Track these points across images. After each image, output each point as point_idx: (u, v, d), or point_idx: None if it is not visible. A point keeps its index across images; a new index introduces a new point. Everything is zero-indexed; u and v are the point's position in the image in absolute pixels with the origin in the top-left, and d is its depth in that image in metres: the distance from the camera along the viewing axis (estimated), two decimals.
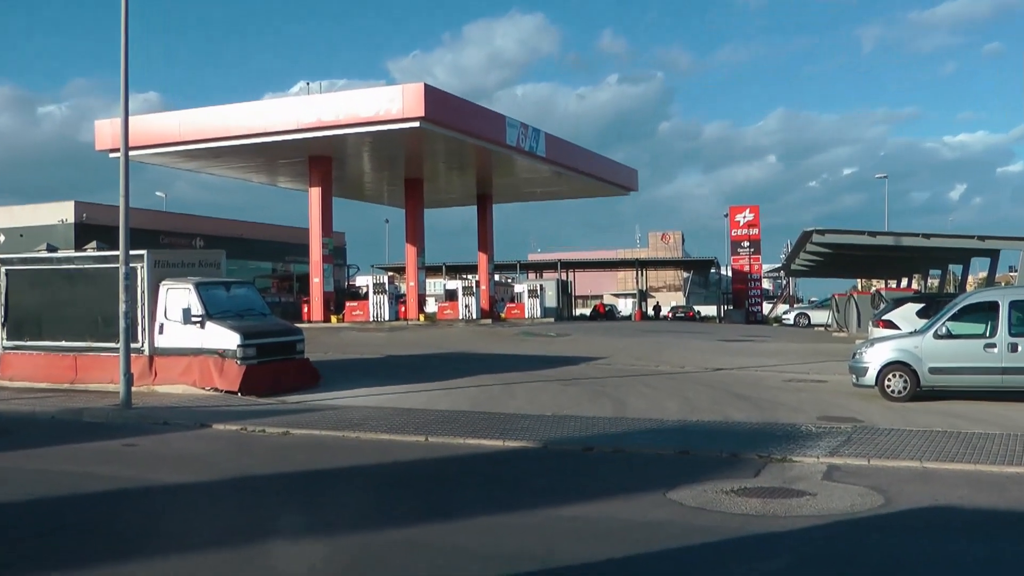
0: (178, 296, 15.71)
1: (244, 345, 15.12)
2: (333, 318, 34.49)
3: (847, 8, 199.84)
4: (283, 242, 47.86)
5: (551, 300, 53.19)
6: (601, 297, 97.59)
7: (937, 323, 13.97)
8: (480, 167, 39.33)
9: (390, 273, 55.46)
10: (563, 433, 11.27)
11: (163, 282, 16.03)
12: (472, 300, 40.03)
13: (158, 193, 56.89)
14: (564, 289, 60.47)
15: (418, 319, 38.06)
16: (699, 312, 65.99)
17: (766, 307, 69.49)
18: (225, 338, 15.18)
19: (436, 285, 67.73)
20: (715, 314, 65.24)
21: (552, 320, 44.97)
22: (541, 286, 46.42)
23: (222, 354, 15.18)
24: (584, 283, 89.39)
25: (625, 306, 76.48)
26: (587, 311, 73.48)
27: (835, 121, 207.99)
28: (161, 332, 15.79)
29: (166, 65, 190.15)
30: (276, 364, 15.75)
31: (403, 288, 46.97)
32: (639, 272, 69.90)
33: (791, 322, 48.70)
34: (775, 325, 52.64)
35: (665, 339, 29.27)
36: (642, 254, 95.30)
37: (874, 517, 7.21)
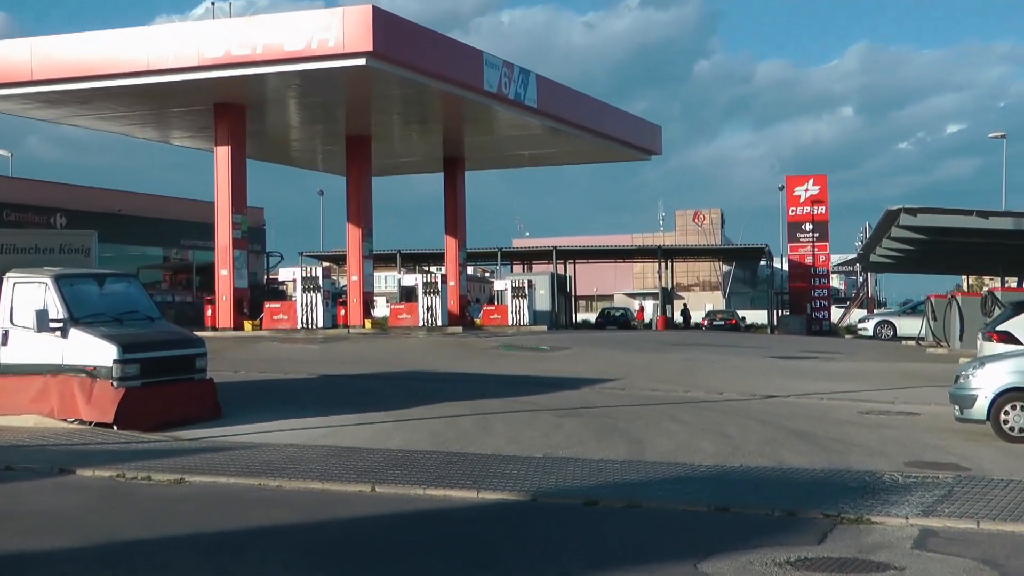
0: (30, 293, 15.58)
1: (123, 361, 15.00)
2: (248, 324, 34.32)
3: None
4: (178, 220, 47.57)
5: (543, 301, 53.28)
6: (611, 298, 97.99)
7: None
8: (448, 121, 39.21)
9: (326, 264, 55.44)
10: (558, 481, 11.25)
11: (8, 274, 15.90)
12: (436, 301, 40.01)
13: (1, 152, 56.37)
14: (561, 286, 60.64)
15: (363, 326, 37.99)
16: (743, 319, 66.35)
17: (835, 313, 70.03)
18: (96, 351, 15.05)
19: (389, 280, 67.70)
20: (765, 322, 65.78)
21: (545, 328, 44.98)
22: (530, 282, 46.49)
23: (92, 373, 15.06)
24: (589, 279, 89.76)
25: (644, 310, 76.68)
26: (592, 316, 73.79)
27: (937, 60, 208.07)
28: (5, 343, 15.70)
29: None
30: (167, 387, 15.70)
31: (343, 284, 46.83)
32: (663, 264, 70.10)
33: (870, 333, 49.02)
34: (848, 337, 52.95)
35: (698, 355, 29.30)
36: (667, 240, 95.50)
37: None
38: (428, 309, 39.95)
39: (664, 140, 48.77)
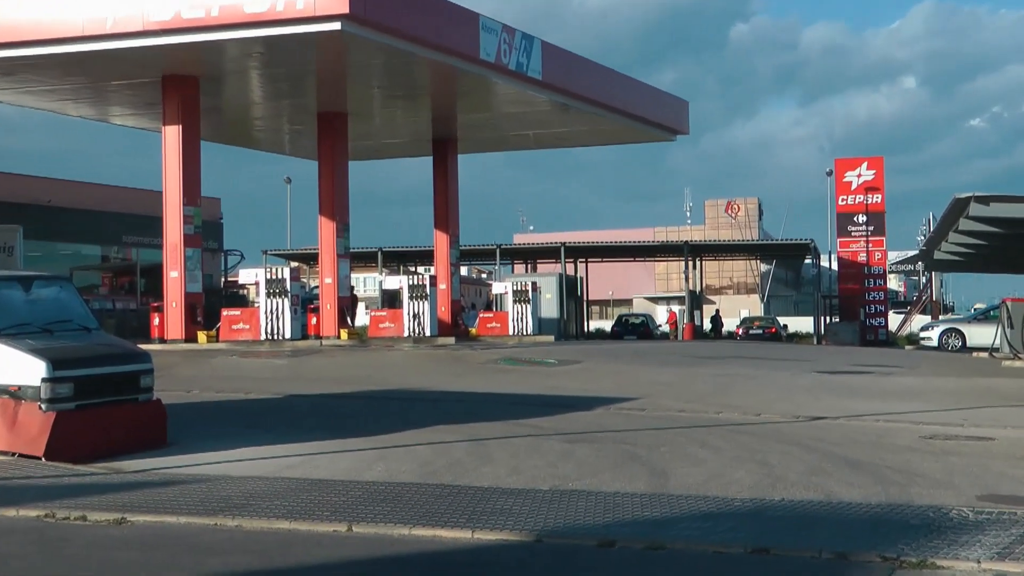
0: None
1: (53, 379, 14.96)
2: (202, 335, 34.35)
3: None
4: (119, 213, 47.65)
5: (550, 307, 53.34)
6: (630, 303, 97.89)
7: None
8: (438, 96, 39.26)
9: (295, 264, 55.39)
10: (568, 519, 11.23)
11: None
12: (424, 307, 40.03)
13: None
14: (571, 290, 60.69)
15: (339, 337, 38.03)
16: (785, 327, 66.44)
17: (894, 319, 69.98)
18: (21, 368, 15.01)
19: (369, 283, 67.64)
20: (810, 330, 65.92)
21: (552, 339, 45.01)
22: (534, 285, 46.57)
23: (15, 394, 15.02)
24: (603, 281, 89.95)
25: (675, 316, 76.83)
26: (607, 324, 73.77)
27: (1017, 21, 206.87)
28: None
29: None
30: (106, 409, 15.67)
31: (315, 287, 46.80)
32: (690, 263, 70.12)
33: (934, 343, 49.06)
34: (908, 348, 52.89)
35: (732, 370, 29.31)
36: (695, 235, 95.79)
37: None
38: (415, 317, 39.96)
39: (695, 118, 48.99)
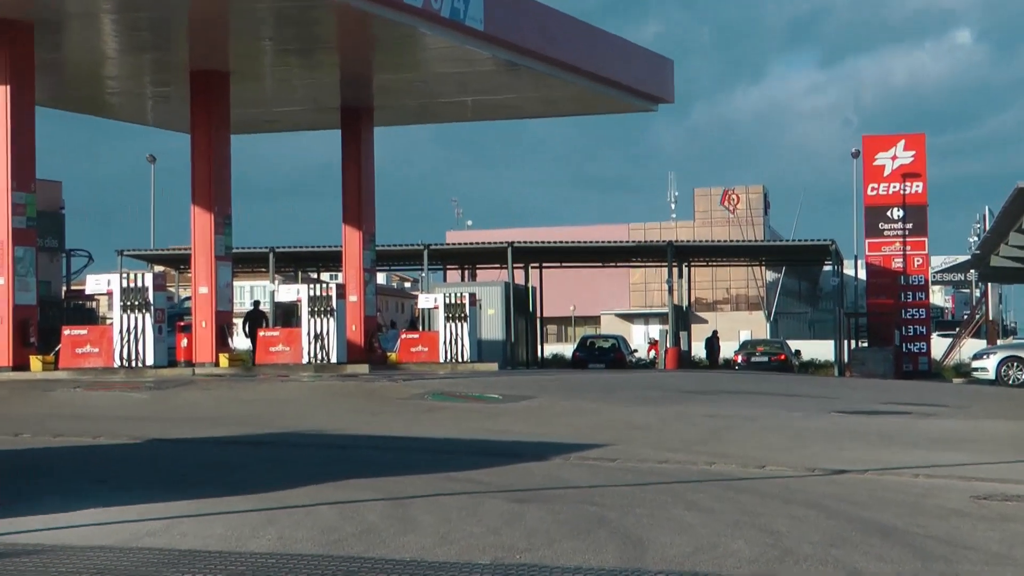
0: None
1: None
2: (36, 361, 34.15)
3: None
4: None
5: (494, 326, 53.30)
6: (596, 322, 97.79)
7: None
8: (348, 50, 39.22)
9: (159, 269, 55.07)
10: None
11: None
12: (330, 325, 39.84)
13: None
14: (521, 303, 60.70)
15: (217, 363, 37.85)
16: (797, 353, 66.66)
17: (938, 344, 70.30)
18: None
19: (257, 292, 67.26)
20: (831, 357, 66.30)
21: (495, 367, 44.92)
22: (473, 297, 46.44)
23: None
24: (563, 292, 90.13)
25: (644, 337, 76.95)
26: (567, 349, 73.70)
27: None
28: None
29: None
30: None
31: (186, 299, 46.43)
32: (675, 270, 70.08)
33: (990, 375, 49.28)
34: (957, 382, 53.12)
35: (728, 408, 29.35)
36: (683, 233, 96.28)
37: None
38: (317, 338, 39.82)
39: (683, 82, 49.33)
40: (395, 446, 21.71)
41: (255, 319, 46.38)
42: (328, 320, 40.17)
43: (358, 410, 27.41)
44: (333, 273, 61.39)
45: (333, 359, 39.57)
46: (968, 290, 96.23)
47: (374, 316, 46.35)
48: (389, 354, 45.10)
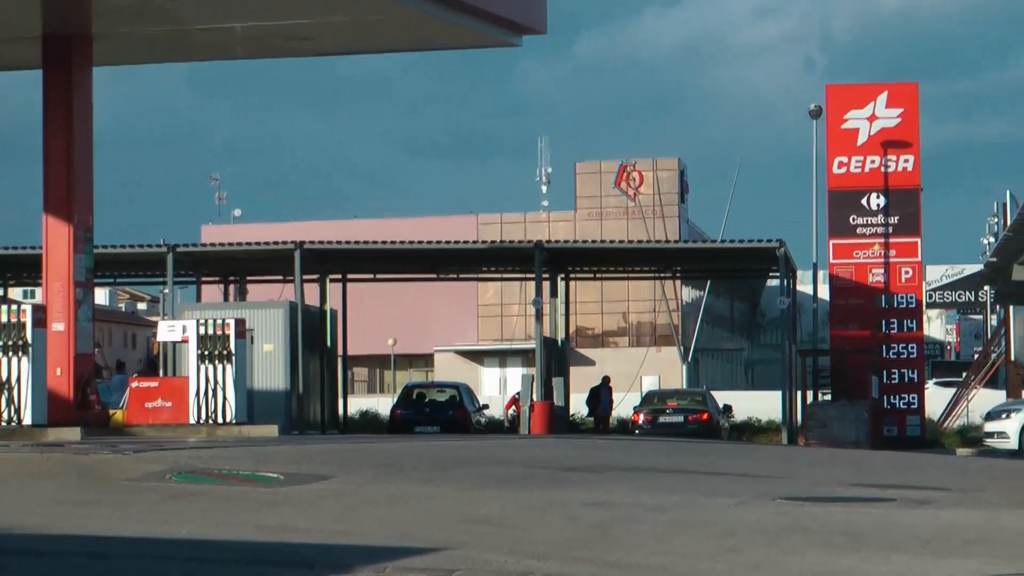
0: None
1: None
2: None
3: None
4: None
5: (273, 369, 47.94)
6: (428, 362, 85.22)
7: None
8: None
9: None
10: None
11: None
12: (22, 367, 33.49)
13: None
14: (314, 335, 52.81)
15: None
16: (727, 410, 56.89)
17: (935, 396, 61.31)
18: None
19: None
20: (777, 416, 55.78)
21: (275, 431, 38.14)
22: (241, 325, 39.53)
23: None
24: (379, 317, 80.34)
25: (500, 386, 71.77)
26: (384, 403, 64.80)
27: None
28: None
29: None
30: None
31: None
32: (547, 283, 57.60)
33: (1012, 443, 45.29)
34: (963, 452, 48.80)
35: (622, 494, 26.20)
36: (559, 229, 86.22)
37: None
38: (2, 387, 33.39)
39: (565, 3, 45.33)
40: (117, 555, 18.46)
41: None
42: (20, 360, 33.62)
43: (63, 500, 24.29)
44: (28, 288, 57.42)
45: (27, 420, 33.47)
46: (980, 316, 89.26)
47: (91, 354, 38.83)
48: (113, 411, 40.04)
